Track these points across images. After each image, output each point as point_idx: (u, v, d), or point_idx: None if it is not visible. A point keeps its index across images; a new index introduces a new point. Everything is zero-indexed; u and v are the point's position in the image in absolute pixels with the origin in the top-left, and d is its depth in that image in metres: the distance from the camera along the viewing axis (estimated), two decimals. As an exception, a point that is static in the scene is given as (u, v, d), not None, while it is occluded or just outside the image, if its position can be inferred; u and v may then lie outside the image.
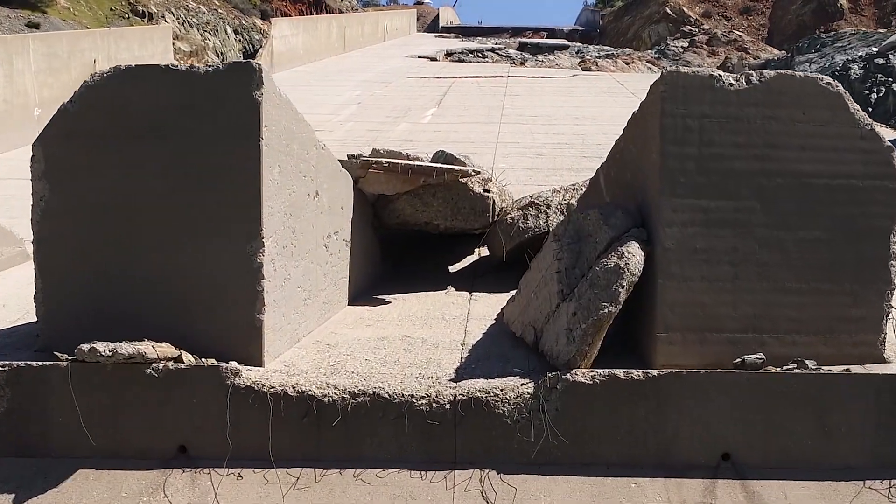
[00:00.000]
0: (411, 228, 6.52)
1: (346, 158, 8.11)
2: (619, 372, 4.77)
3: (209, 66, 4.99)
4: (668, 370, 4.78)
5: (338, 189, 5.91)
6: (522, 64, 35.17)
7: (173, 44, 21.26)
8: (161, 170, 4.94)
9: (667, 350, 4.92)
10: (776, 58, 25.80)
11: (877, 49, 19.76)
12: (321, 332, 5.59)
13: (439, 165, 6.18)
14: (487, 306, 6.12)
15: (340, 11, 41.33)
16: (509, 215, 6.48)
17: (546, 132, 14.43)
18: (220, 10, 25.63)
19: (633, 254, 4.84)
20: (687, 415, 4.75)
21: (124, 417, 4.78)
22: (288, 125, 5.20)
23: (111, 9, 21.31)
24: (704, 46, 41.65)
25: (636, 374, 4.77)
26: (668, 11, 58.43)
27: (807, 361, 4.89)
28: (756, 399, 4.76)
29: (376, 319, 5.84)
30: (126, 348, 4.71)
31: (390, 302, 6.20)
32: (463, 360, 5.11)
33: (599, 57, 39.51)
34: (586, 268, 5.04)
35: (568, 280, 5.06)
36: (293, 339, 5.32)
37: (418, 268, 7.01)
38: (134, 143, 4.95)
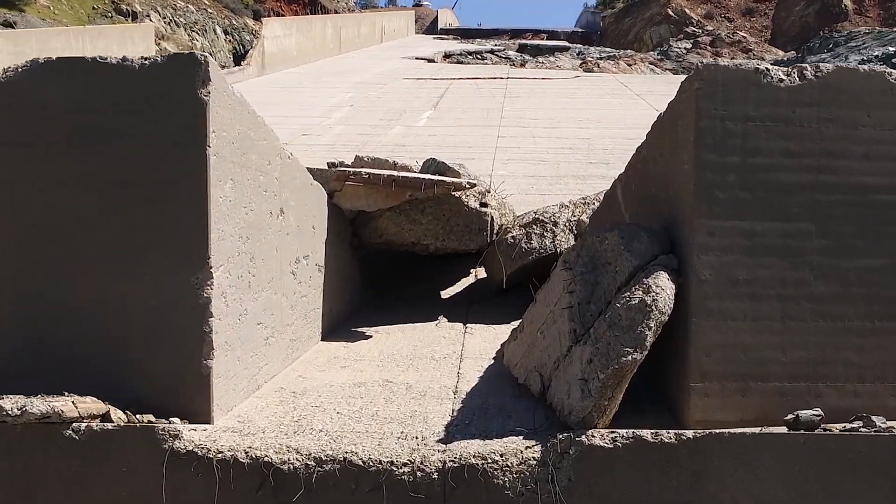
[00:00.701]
0: (397, 249, 5.64)
1: (327, 167, 7.25)
2: (646, 433, 3.88)
3: (145, 59, 4.11)
4: (707, 431, 3.89)
5: (308, 205, 5.03)
6: (522, 65, 34.32)
7: (158, 44, 20.39)
8: (88, 184, 4.07)
9: (702, 403, 4.05)
10: (784, 58, 24.92)
11: (894, 49, 18.90)
12: (287, 377, 4.71)
13: (428, 177, 5.30)
14: (485, 341, 5.24)
15: (336, 13, 40.47)
16: (510, 234, 5.60)
17: (548, 136, 13.55)
18: (209, 10, 24.76)
19: (662, 287, 3.96)
20: (730, 486, 3.87)
21: (39, 490, 3.90)
22: (244, 130, 4.32)
23: (94, 7, 20.44)
24: (708, 48, 40.81)
25: (667, 435, 3.89)
26: (670, 13, 57.64)
27: (873, 418, 4.01)
28: (814, 466, 3.87)
29: (354, 359, 4.95)
30: (39, 405, 3.83)
31: (371, 336, 5.31)
32: (455, 414, 4.23)
33: (601, 58, 38.66)
34: (604, 303, 4.16)
35: (582, 318, 4.18)
36: (251, 387, 4.44)
37: (405, 293, 6.12)
38: (54, 151, 4.08)
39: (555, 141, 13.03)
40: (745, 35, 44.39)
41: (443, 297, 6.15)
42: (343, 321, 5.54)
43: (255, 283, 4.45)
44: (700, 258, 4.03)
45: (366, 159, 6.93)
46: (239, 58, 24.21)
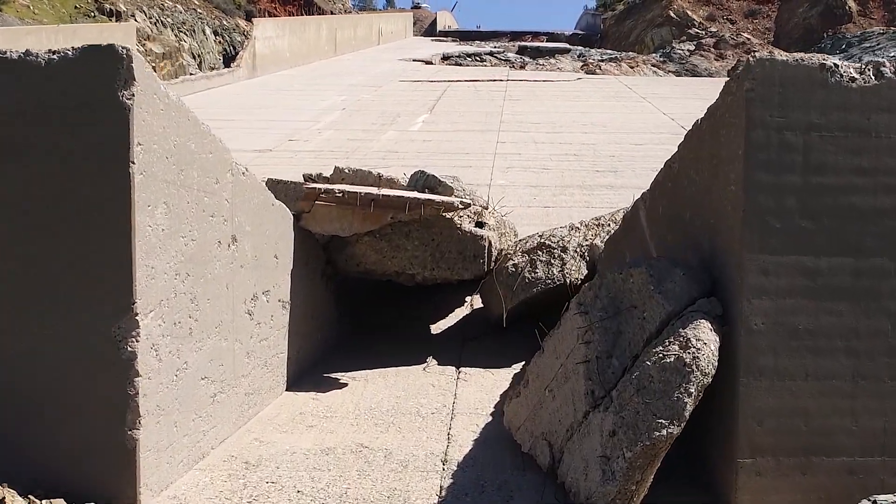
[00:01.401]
0: (378, 279, 4.81)
1: (302, 179, 6.41)
2: (685, 527, 3.06)
3: (53, 53, 3.28)
4: (763, 525, 3.07)
5: (268, 231, 4.19)
6: (522, 67, 33.51)
7: (143, 44, 19.57)
8: (-17, 210, 3.25)
9: (753, 483, 3.24)
10: (795, 60, 24.09)
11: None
12: (240, 441, 3.87)
13: (414, 195, 4.47)
14: (481, 390, 4.41)
15: (332, 14, 39.64)
16: (511, 262, 4.77)
17: (551, 141, 12.71)
18: (198, 10, 23.94)
19: (704, 340, 3.14)
20: None
21: None
22: (182, 142, 3.49)
23: (76, 7, 19.61)
24: (712, 50, 40.00)
25: (711, 529, 3.06)
26: (672, 15, 56.92)
27: (970, 504, 3.18)
28: (898, 569, 3.05)
29: (324, 415, 4.12)
30: None
31: (346, 384, 4.48)
32: (444, 493, 3.40)
33: (602, 60, 37.85)
34: (629, 357, 3.33)
35: (601, 376, 3.35)
36: (194, 457, 3.60)
37: (389, 328, 5.28)
38: (-60, 169, 3.25)
39: (558, 147, 12.20)
40: (748, 37, 43.59)
41: (433, 331, 5.32)
42: (314, 364, 4.71)
43: (198, 330, 3.62)
44: (751, 303, 3.21)
45: (346, 171, 6.10)
46: (229, 59, 23.37)
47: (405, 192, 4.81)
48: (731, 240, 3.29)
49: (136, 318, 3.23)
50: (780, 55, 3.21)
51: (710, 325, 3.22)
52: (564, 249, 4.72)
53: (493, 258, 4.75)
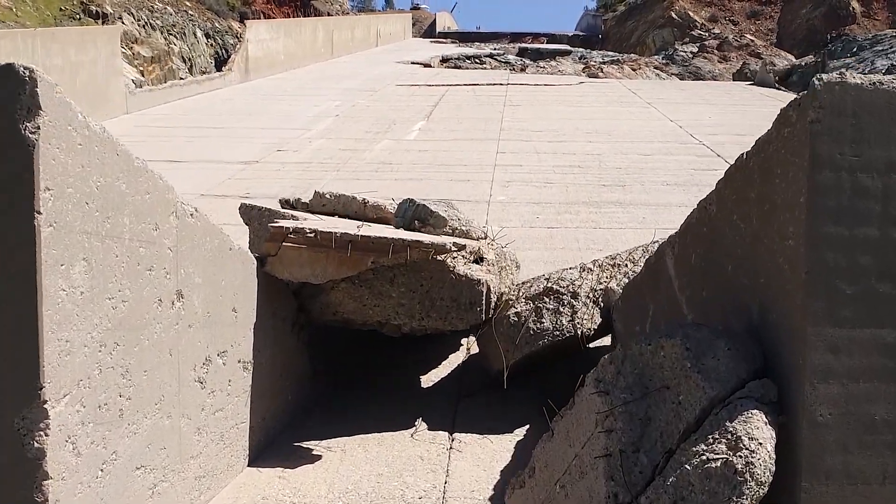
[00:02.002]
0: (359, 328, 4.14)
1: (279, 205, 5.76)
2: None
3: (-63, 74, 2.62)
4: None
5: (225, 281, 3.53)
6: (523, 70, 32.84)
7: (131, 47, 18.91)
8: None
9: None
10: (804, 63, 23.45)
11: (925, 52, 17.44)
12: (186, 539, 3.21)
13: (399, 236, 3.80)
14: (478, 465, 3.74)
15: (330, 16, 38.97)
16: (513, 310, 4.10)
17: (554, 151, 12.05)
18: (190, 12, 23.26)
19: (760, 440, 2.48)
20: None
21: None
22: (109, 182, 2.83)
23: (61, 9, 18.95)
24: (715, 51, 39.37)
25: None
26: (673, 16, 56.39)
27: None
28: None
29: (290, 501, 3.45)
30: None
31: (320, 456, 3.81)
32: None
33: (604, 63, 37.20)
34: (661, 453, 2.67)
35: (627, 474, 2.69)
36: (124, 568, 2.94)
37: (372, 381, 4.61)
38: None
39: (561, 157, 11.53)
40: (752, 38, 42.95)
41: (423, 383, 4.65)
42: (283, 430, 4.04)
43: (131, 410, 2.96)
44: (815, 388, 2.55)
45: (328, 196, 5.44)
46: (221, 63, 22.69)
47: (389, 229, 4.14)
48: (790, 307, 2.63)
49: (45, 406, 2.57)
50: (851, 77, 2.55)
51: (764, 416, 2.56)
52: (575, 295, 4.05)
53: (492, 304, 4.08)
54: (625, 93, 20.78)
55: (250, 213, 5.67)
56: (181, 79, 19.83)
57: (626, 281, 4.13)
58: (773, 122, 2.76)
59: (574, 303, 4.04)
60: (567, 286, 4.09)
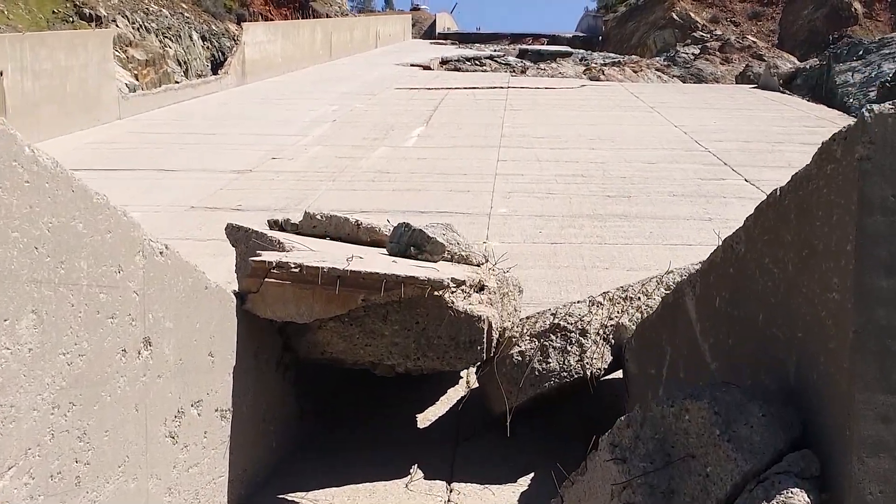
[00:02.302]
0: (349, 367, 3.82)
1: (267, 226, 5.44)
2: None
3: None
4: None
5: (200, 323, 3.21)
6: (523, 72, 32.51)
7: (125, 51, 18.59)
8: None
9: None
10: (808, 66, 23.11)
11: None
12: None
13: (392, 272, 3.48)
14: (479, 521, 3.42)
15: (328, 17, 38.64)
16: (517, 348, 3.78)
17: (556, 159, 11.73)
18: (186, 14, 22.93)
19: (803, 526, 2.16)
20: None
21: None
22: (63, 223, 2.51)
23: (53, 12, 18.62)
24: (717, 53, 39.06)
25: None
26: (675, 17, 56.10)
27: None
28: None
29: (271, 566, 3.13)
30: None
31: (306, 512, 3.49)
32: None
33: (605, 64, 36.89)
34: (688, 534, 2.35)
35: (648, 558, 2.36)
36: None
37: (365, 421, 4.29)
38: None
39: (563, 166, 11.21)
40: (754, 40, 42.63)
41: (419, 422, 4.32)
42: (267, 480, 3.72)
43: (90, 476, 2.64)
44: (864, 463, 2.24)
45: (319, 217, 5.12)
46: (218, 66, 22.36)
47: (382, 259, 3.82)
48: (834, 369, 2.31)
49: (-15, 482, 2.26)
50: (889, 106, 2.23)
51: (805, 496, 2.24)
52: (584, 333, 3.73)
53: (494, 342, 3.76)
54: (627, 96, 20.46)
55: (236, 235, 5.35)
56: (176, 82, 19.51)
57: (640, 316, 3.81)
58: (812, 157, 2.44)
59: (583, 341, 3.72)
60: (575, 322, 3.77)
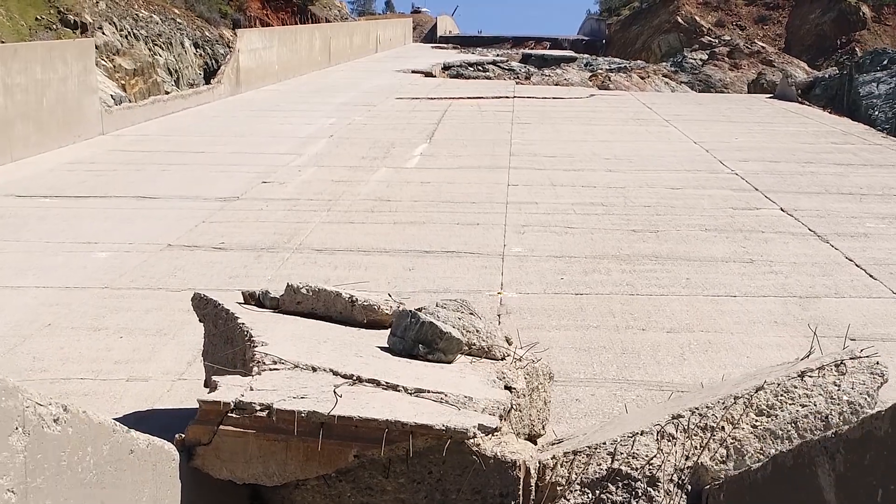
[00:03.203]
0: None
1: (242, 299, 4.49)
2: None
3: None
4: None
5: (125, 501, 2.25)
6: (528, 79, 31.55)
7: (112, 60, 17.65)
8: None
9: None
10: (827, 75, 22.15)
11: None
12: None
13: (394, 418, 2.53)
14: None
15: (327, 21, 37.73)
16: (564, 503, 2.82)
17: (572, 183, 10.78)
18: (178, 21, 21.99)
19: None
20: None
21: None
22: None
23: (37, 19, 17.68)
24: (726, 59, 38.14)
25: None
26: (680, 21, 55.35)
27: None
28: None
29: None
30: None
31: None
32: None
33: (611, 70, 35.96)
34: None
35: None
36: None
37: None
38: None
39: (581, 192, 10.26)
40: (763, 45, 41.72)
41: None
42: None
43: None
44: None
45: (304, 291, 4.18)
46: (211, 74, 21.43)
47: (382, 394, 2.85)
48: None
49: None
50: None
51: None
52: (653, 481, 2.78)
53: (532, 495, 2.80)
54: (639, 108, 19.51)
55: (204, 310, 4.42)
56: (166, 93, 18.57)
57: (725, 453, 2.86)
58: None
59: (652, 492, 2.77)
60: (641, 467, 2.82)
